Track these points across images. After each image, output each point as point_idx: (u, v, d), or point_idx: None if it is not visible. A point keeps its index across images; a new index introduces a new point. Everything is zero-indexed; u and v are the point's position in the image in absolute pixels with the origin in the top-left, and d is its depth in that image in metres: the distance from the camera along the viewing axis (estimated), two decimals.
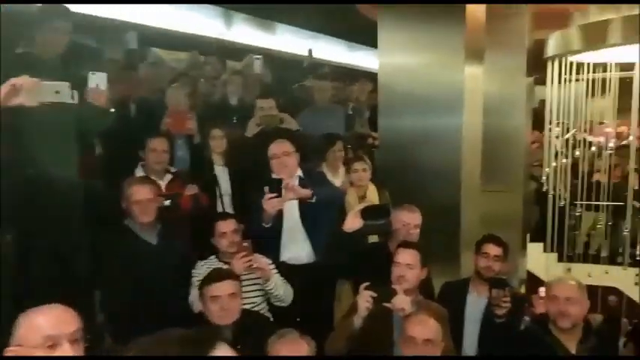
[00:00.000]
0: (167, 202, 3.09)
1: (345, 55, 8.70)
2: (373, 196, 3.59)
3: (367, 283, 2.30)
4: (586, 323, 2.43)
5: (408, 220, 2.91)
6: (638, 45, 4.19)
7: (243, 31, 6.84)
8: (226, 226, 2.77)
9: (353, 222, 2.74)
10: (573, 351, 2.36)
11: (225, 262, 2.73)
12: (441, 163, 3.76)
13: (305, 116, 4.40)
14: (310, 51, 6.27)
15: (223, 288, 2.26)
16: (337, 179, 3.79)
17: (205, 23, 6.35)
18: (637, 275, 5.96)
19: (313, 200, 2.97)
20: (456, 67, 3.67)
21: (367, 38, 5.41)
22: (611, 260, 5.57)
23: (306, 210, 3.06)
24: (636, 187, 5.58)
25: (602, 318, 5.66)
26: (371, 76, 4.72)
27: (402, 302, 2.26)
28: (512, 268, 4.22)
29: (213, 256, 2.83)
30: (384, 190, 3.68)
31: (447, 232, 3.73)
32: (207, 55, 5.25)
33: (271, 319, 2.78)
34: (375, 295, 2.25)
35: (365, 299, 2.26)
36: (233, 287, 2.29)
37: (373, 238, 3.33)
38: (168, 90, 3.94)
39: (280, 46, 7.27)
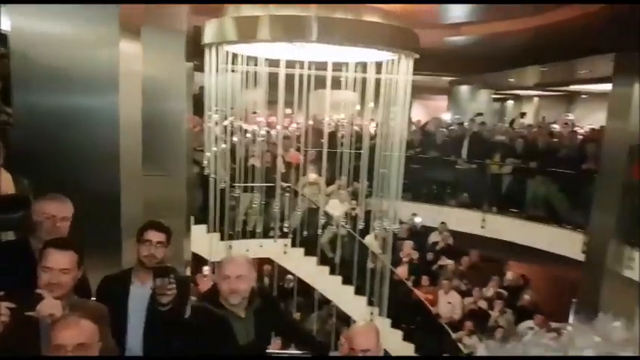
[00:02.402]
0: None
1: None
2: (6, 185, 2.96)
3: (1, 293, 1.89)
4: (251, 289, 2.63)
5: (53, 211, 2.55)
6: (283, 43, 4.70)
7: None
8: None
9: None
10: (243, 315, 2.57)
11: None
12: (96, 147, 3.44)
13: None
14: None
15: None
16: None
17: None
18: (285, 245, 6.94)
19: None
20: (110, 41, 3.37)
21: None
22: (265, 235, 6.29)
23: None
24: (283, 170, 6.42)
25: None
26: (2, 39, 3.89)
27: (50, 308, 1.97)
28: (176, 252, 4.25)
29: None
30: (21, 179, 3.10)
31: (106, 221, 3.46)
32: None
33: None
34: (12, 305, 1.85)
35: None
36: None
37: (8, 235, 2.77)
38: None
39: None
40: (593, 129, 11.00)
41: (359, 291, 7.31)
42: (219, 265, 2.71)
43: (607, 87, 8.82)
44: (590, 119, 14.68)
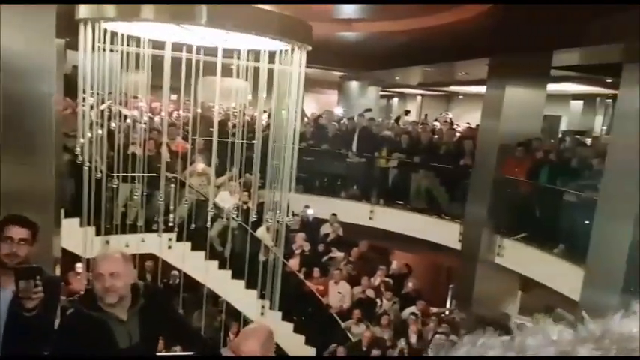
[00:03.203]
0: None
1: None
2: None
3: None
4: (133, 287, 2.43)
5: None
6: (169, 25, 4.38)
7: None
8: None
9: None
10: (125, 317, 2.36)
11: None
12: None
13: None
14: None
15: None
16: None
17: None
18: (170, 239, 6.59)
19: None
20: None
21: None
22: (148, 228, 5.91)
23: None
24: (168, 160, 6.06)
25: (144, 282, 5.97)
26: None
27: None
28: (44, 249, 3.81)
29: None
30: None
31: None
32: None
33: None
34: None
35: None
36: None
37: None
38: None
39: None
40: (469, 127, 11.88)
41: (250, 285, 7.19)
42: (92, 262, 2.47)
43: (482, 89, 9.54)
44: (466, 118, 15.87)
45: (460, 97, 19.50)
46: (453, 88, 17.24)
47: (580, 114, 15.29)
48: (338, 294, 8.51)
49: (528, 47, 7.29)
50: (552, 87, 9.39)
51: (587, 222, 6.67)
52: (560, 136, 12.41)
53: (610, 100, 13.50)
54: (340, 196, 10.27)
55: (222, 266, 7.22)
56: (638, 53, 6.08)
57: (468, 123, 14.00)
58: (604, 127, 14.11)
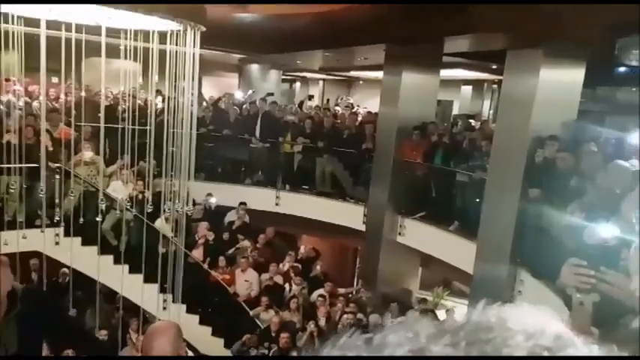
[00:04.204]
0: None
1: None
2: None
3: None
4: (9, 293, 2.23)
5: None
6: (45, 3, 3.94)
7: None
8: None
9: None
10: None
11: None
12: None
13: None
14: None
15: None
16: None
17: None
18: (56, 235, 6.06)
19: None
20: None
21: None
22: (30, 224, 5.37)
23: None
24: (50, 148, 5.52)
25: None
26: None
27: None
28: None
29: None
30: None
31: None
32: None
33: None
34: None
35: None
36: None
37: None
38: None
39: None
40: (369, 112, 12.18)
41: (149, 279, 6.82)
42: None
43: (381, 74, 9.76)
44: (366, 103, 16.27)
45: (360, 82, 19.93)
46: (353, 73, 17.55)
47: (470, 99, 16.28)
48: (245, 282, 8.38)
49: (420, 34, 7.54)
50: (445, 73, 9.86)
51: (477, 200, 7.11)
52: (452, 120, 13.12)
53: (495, 86, 14.50)
54: (245, 182, 10.07)
55: (117, 261, 6.78)
56: (518, 42, 6.53)
57: (366, 107, 14.36)
58: (491, 112, 15.16)
